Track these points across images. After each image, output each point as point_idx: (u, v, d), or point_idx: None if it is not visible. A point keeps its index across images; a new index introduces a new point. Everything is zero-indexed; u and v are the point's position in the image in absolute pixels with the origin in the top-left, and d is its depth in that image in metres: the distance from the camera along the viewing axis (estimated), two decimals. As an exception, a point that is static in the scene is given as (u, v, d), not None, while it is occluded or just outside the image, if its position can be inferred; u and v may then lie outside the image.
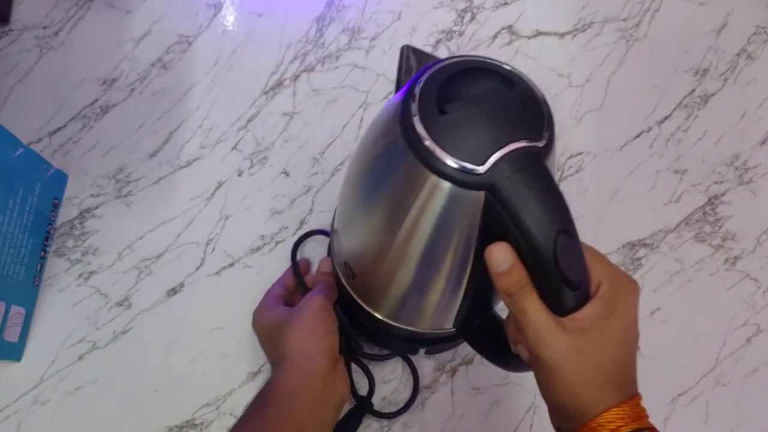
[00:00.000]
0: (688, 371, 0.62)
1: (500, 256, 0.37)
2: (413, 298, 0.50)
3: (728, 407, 0.61)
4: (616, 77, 0.74)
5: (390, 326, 0.54)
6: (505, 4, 0.77)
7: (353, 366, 0.60)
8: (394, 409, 0.60)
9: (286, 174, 0.69)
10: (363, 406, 0.58)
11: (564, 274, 0.36)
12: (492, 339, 0.44)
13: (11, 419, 0.60)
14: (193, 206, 0.68)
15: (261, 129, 0.71)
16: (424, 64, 0.44)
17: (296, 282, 0.61)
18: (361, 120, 0.71)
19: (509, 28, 0.76)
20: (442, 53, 0.75)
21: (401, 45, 0.49)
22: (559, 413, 0.39)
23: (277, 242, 0.66)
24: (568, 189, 0.69)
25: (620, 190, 0.69)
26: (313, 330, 0.52)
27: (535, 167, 0.37)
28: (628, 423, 0.36)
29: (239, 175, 0.69)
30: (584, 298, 0.38)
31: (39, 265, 0.64)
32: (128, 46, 0.74)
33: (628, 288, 0.39)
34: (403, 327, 0.54)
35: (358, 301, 0.55)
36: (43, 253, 0.65)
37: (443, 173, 0.37)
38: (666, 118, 0.72)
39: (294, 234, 0.67)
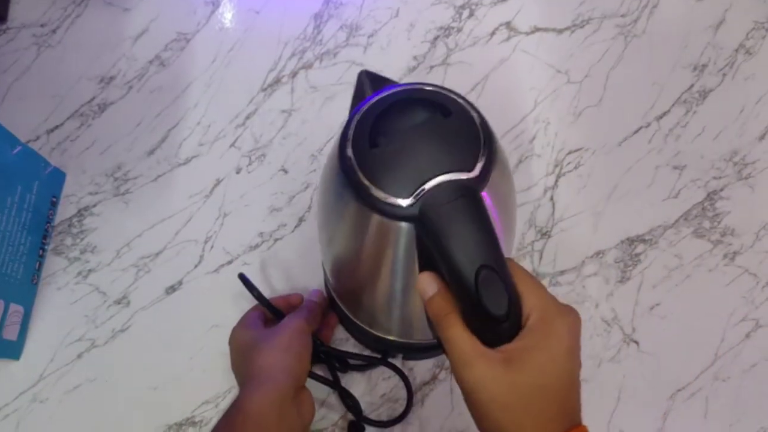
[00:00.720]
0: (687, 367, 0.62)
1: (425, 283, 0.39)
2: (392, 315, 0.52)
3: (727, 402, 0.61)
4: (615, 73, 0.73)
5: (384, 340, 0.56)
6: (503, 0, 0.77)
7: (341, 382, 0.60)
8: (395, 405, 0.60)
9: (285, 171, 0.69)
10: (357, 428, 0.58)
11: (486, 309, 0.36)
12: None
13: (10, 417, 0.60)
14: (191, 204, 0.68)
15: (259, 126, 0.71)
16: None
17: (269, 309, 0.57)
18: (360, 117, 0.71)
19: (507, 24, 0.76)
20: (440, 50, 0.74)
21: (360, 70, 0.49)
22: None
23: (276, 239, 0.66)
24: (566, 185, 0.69)
25: (619, 185, 0.69)
26: (287, 351, 0.50)
27: (463, 200, 0.38)
28: None
29: (237, 173, 0.69)
30: (515, 331, 0.38)
31: (37, 263, 0.64)
32: (126, 44, 0.74)
33: (560, 318, 0.38)
34: (398, 340, 0.56)
35: (353, 319, 0.56)
36: (41, 251, 0.65)
37: (372, 206, 0.39)
38: (665, 113, 0.72)
39: (293, 231, 0.67)
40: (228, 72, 0.73)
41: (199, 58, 0.74)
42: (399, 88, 0.43)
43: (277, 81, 0.73)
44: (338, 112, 0.72)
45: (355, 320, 0.56)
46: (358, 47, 0.75)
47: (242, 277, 0.57)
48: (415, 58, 0.74)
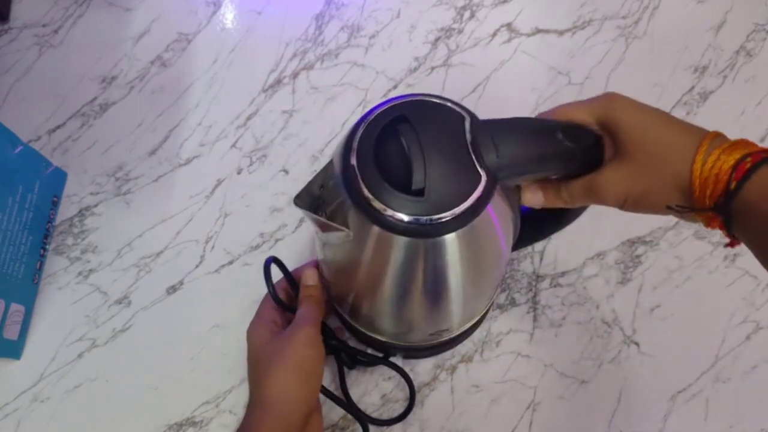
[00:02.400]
0: (687, 368, 0.62)
1: (531, 197, 0.50)
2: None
3: (728, 404, 0.61)
4: (616, 75, 0.73)
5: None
6: (505, 1, 0.77)
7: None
8: (395, 405, 0.60)
9: (286, 172, 0.69)
10: None
11: (581, 149, 0.45)
12: (549, 224, 0.57)
13: (11, 417, 0.60)
14: (192, 204, 0.68)
15: (260, 127, 0.71)
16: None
17: (288, 292, 0.56)
18: (361, 118, 0.71)
19: (508, 25, 0.76)
20: (441, 51, 0.75)
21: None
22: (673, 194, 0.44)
23: (277, 240, 0.66)
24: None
25: (620, 187, 0.69)
26: (297, 373, 0.49)
27: (492, 131, 0.44)
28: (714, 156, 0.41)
29: (238, 173, 0.69)
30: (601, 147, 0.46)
31: (38, 263, 0.64)
32: (127, 44, 0.74)
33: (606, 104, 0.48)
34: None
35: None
36: (42, 250, 0.65)
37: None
38: (665, 115, 0.72)
39: (294, 231, 0.67)
40: (229, 73, 0.74)
41: (200, 59, 0.74)
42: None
43: (279, 82, 0.73)
44: (339, 112, 0.72)
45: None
46: (360, 48, 0.75)
47: (266, 269, 0.53)
48: (416, 59, 0.74)
